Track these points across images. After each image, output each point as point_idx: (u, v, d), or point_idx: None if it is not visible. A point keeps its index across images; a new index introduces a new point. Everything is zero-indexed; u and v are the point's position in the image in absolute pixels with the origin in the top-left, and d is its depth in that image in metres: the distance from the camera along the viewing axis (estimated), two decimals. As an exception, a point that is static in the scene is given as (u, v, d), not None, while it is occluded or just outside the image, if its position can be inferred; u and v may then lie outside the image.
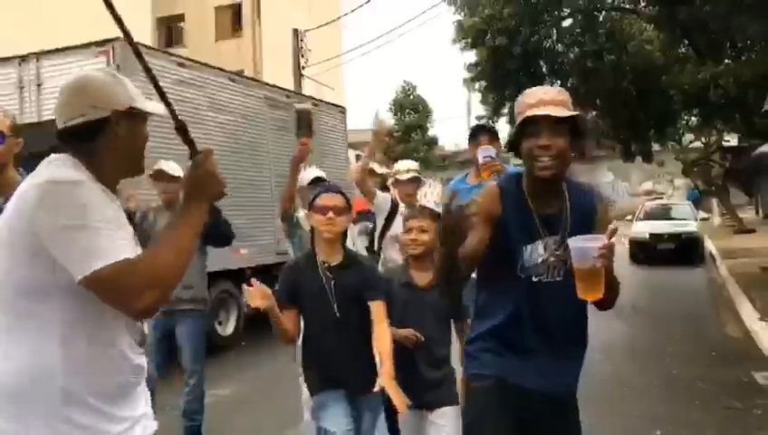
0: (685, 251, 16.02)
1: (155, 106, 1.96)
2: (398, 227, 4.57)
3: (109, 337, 1.73)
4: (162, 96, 1.91)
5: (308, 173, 4.58)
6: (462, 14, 13.63)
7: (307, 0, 28.45)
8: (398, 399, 2.76)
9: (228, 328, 8.95)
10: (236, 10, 28.80)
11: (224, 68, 9.51)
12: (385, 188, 5.51)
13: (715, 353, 7.44)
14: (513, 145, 2.33)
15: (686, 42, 11.80)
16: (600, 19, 13.82)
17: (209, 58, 26.41)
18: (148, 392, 1.93)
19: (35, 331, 1.63)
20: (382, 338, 2.91)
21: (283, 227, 4.55)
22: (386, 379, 2.79)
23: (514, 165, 3.51)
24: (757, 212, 29.57)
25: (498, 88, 14.17)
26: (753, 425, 5.02)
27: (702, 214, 19.90)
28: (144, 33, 23.57)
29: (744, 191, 32.86)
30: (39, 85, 7.44)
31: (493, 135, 4.19)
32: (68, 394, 1.64)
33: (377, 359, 2.98)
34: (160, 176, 4.86)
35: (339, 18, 21.77)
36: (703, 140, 26.54)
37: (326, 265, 3.00)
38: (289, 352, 4.12)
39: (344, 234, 3.18)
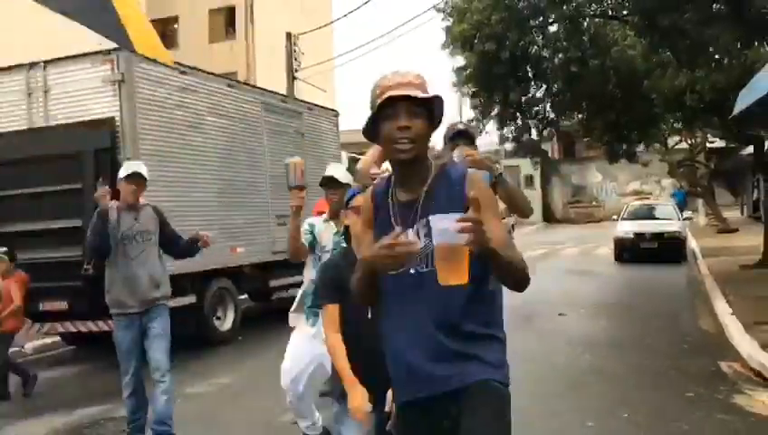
0: (667, 250, 16.48)
1: None
2: None
3: None
4: None
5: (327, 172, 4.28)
6: (451, 20, 14.06)
7: (299, 3, 28.82)
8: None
9: (226, 324, 9.34)
10: (230, 12, 29.14)
11: (217, 70, 9.89)
12: None
13: (687, 345, 7.88)
14: (370, 134, 2.22)
15: (668, 48, 12.24)
16: (585, 25, 14.28)
17: (203, 60, 26.85)
18: None
19: None
20: None
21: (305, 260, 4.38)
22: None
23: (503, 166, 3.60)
24: (742, 212, 30.18)
25: (486, 91, 14.60)
26: (714, 408, 5.44)
27: (687, 213, 20.38)
28: (139, 35, 23.89)
29: (731, 191, 33.52)
30: (46, 92, 7.81)
31: (471, 140, 3.97)
32: None
33: None
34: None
35: (331, 23, 22.14)
36: (688, 141, 27.07)
37: None
38: (282, 347, 4.47)
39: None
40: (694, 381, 6.21)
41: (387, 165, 5.10)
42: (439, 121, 2.22)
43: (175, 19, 29.68)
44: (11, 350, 7.51)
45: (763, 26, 7.44)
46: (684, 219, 18.23)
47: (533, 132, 17.20)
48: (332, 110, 12.87)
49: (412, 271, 2.10)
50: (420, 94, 2.11)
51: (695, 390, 5.95)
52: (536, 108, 15.97)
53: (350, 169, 5.39)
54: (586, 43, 14.10)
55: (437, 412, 2.14)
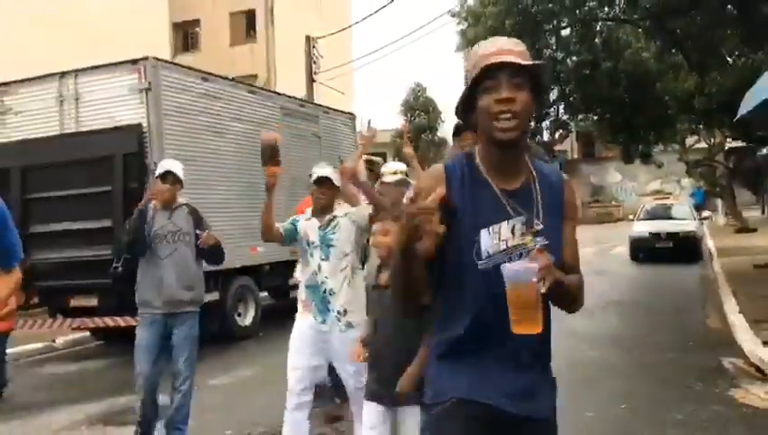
0: (683, 249, 16.60)
1: None
2: None
3: None
4: None
5: (315, 171, 4.31)
6: (465, 24, 14.35)
7: (318, 6, 29.24)
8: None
9: (247, 319, 9.72)
10: (250, 16, 29.61)
11: (238, 73, 10.27)
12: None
13: (693, 342, 8.11)
14: (464, 112, 1.94)
15: (679, 50, 12.43)
16: (597, 29, 14.49)
17: (224, 62, 27.47)
18: None
19: None
20: None
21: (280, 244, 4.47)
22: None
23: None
24: (763, 211, 30.05)
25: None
26: (710, 400, 5.70)
27: (706, 213, 20.43)
28: (161, 38, 24.42)
29: (751, 191, 33.33)
30: (77, 99, 8.23)
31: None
32: None
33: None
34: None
35: (350, 27, 22.49)
36: (707, 141, 27.06)
37: None
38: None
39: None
40: (694, 376, 6.46)
41: (386, 167, 4.76)
42: (546, 95, 2.02)
43: (196, 22, 30.24)
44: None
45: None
46: (700, 219, 18.30)
47: (546, 134, 17.44)
48: (349, 113, 13.20)
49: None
50: (523, 62, 1.82)
51: (694, 383, 6.21)
52: (549, 110, 16.20)
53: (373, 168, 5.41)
54: (598, 46, 14.32)
55: (496, 430, 1.90)
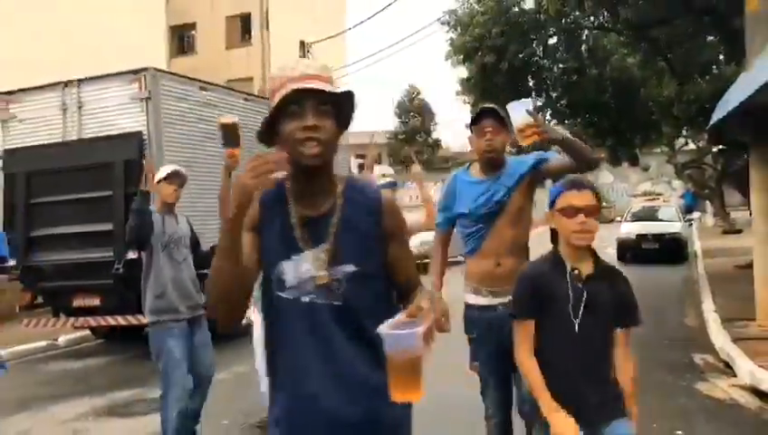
0: (668, 250, 17.01)
1: None
2: None
3: None
4: None
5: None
6: (454, 32, 14.74)
7: (313, 10, 29.59)
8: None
9: (243, 319, 10.05)
10: (246, 19, 29.95)
11: (234, 75, 10.63)
12: None
13: (668, 340, 8.50)
14: (265, 136, 1.88)
15: (663, 58, 12.83)
16: (583, 37, 14.91)
17: (220, 65, 27.82)
18: None
19: None
20: (627, 364, 2.58)
21: None
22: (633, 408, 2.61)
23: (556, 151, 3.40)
24: (751, 213, 30.43)
25: (487, 101, 15.20)
26: (676, 393, 6.10)
27: (696, 214, 20.84)
28: (158, 41, 24.77)
29: (741, 192, 33.76)
30: (80, 108, 8.59)
31: (500, 120, 3.40)
32: None
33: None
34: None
35: (344, 32, 22.85)
36: (696, 143, 27.48)
37: (575, 272, 2.51)
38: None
39: None
40: (664, 371, 6.84)
41: (374, 171, 5.11)
42: (348, 124, 1.91)
43: (193, 25, 30.57)
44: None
45: (741, 42, 8.03)
46: (686, 220, 18.71)
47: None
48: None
49: (306, 299, 1.83)
50: (330, 89, 1.79)
51: (663, 378, 6.60)
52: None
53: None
54: (584, 54, 14.74)
55: None
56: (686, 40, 10.81)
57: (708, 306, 10.00)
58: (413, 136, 40.85)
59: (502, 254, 3.36)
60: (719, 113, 7.98)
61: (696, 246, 19.14)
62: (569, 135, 3.44)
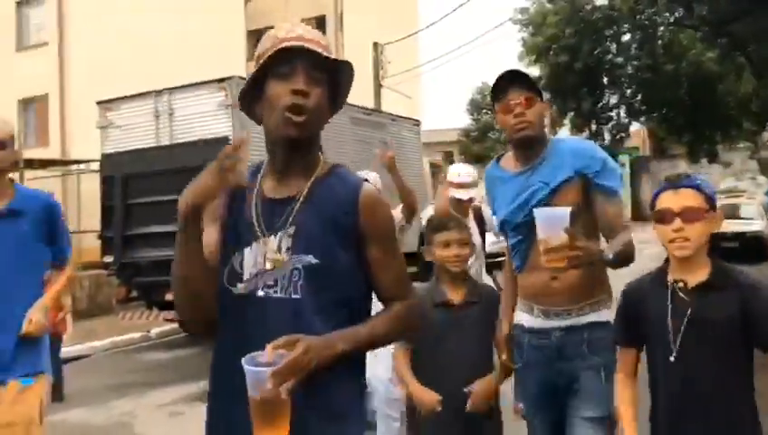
0: (748, 249, 16.51)
1: None
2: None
3: None
4: None
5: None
6: (526, 31, 14.81)
7: (385, 11, 30.01)
8: None
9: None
10: (320, 21, 30.63)
11: None
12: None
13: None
14: (247, 100, 1.69)
15: (741, 53, 12.55)
16: (658, 33, 14.71)
17: (296, 69, 28.45)
18: None
19: None
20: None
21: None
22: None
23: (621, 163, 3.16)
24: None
25: (560, 101, 15.28)
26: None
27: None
28: (238, 45, 25.75)
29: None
30: (171, 114, 9.23)
31: (531, 87, 2.57)
32: None
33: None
34: None
35: (416, 33, 23.16)
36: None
37: (680, 284, 2.07)
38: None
39: None
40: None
41: (452, 169, 4.99)
42: (342, 103, 1.72)
43: (270, 29, 31.40)
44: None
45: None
46: (769, 218, 18.12)
47: (607, 137, 17.70)
48: (414, 119, 13.90)
49: (261, 293, 1.65)
50: (328, 54, 1.62)
51: None
52: (609, 113, 16.49)
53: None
54: (659, 50, 14.54)
55: None
56: (765, 35, 10.56)
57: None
58: (485, 133, 40.74)
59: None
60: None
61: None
62: (615, 251, 2.43)
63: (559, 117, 16.13)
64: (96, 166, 11.48)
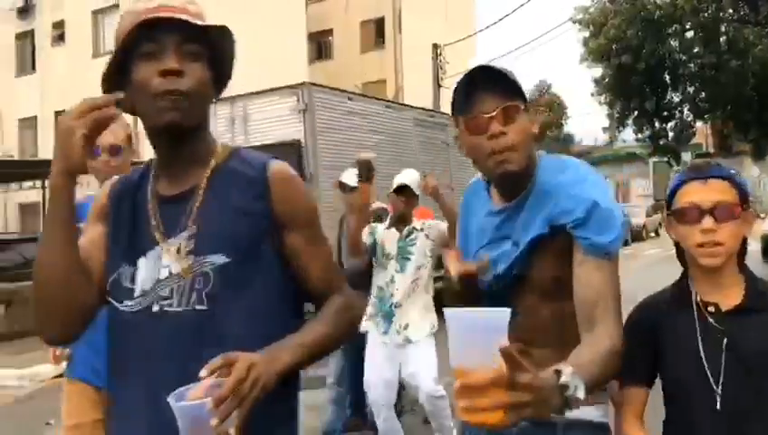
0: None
1: None
2: None
3: None
4: None
5: (397, 178, 4.33)
6: (587, 31, 14.86)
7: (444, 12, 30.26)
8: None
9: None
10: (379, 24, 31.09)
11: (367, 79, 11.53)
12: None
13: None
14: (108, 85, 1.39)
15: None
16: (722, 29, 14.56)
17: (355, 69, 29.13)
18: None
19: None
20: None
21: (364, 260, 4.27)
22: None
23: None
24: None
25: (623, 100, 15.28)
26: None
27: None
28: (300, 48, 26.40)
29: None
30: (245, 120, 9.76)
31: (512, 89, 1.65)
32: None
33: None
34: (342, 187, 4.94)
35: (475, 34, 23.35)
36: None
37: (709, 307, 1.62)
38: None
39: None
40: None
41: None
42: (227, 76, 1.48)
43: (330, 32, 32.13)
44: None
45: None
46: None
47: (670, 135, 17.56)
48: (475, 120, 14.11)
49: (156, 308, 1.36)
50: (200, 22, 1.35)
51: None
52: (672, 111, 16.37)
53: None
54: (723, 47, 14.42)
55: None
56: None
57: None
58: (543, 131, 40.52)
59: (529, 339, 1.49)
60: None
61: None
62: (586, 377, 1.35)
63: (623, 117, 16.07)
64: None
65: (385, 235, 4.22)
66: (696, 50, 14.87)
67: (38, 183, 16.44)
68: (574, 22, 14.91)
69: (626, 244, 17.73)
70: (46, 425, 5.66)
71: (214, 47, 1.42)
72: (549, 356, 1.37)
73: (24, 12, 22.84)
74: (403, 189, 4.18)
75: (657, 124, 16.71)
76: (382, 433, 4.18)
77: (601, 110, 21.67)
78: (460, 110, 1.66)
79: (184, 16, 1.32)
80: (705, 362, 1.55)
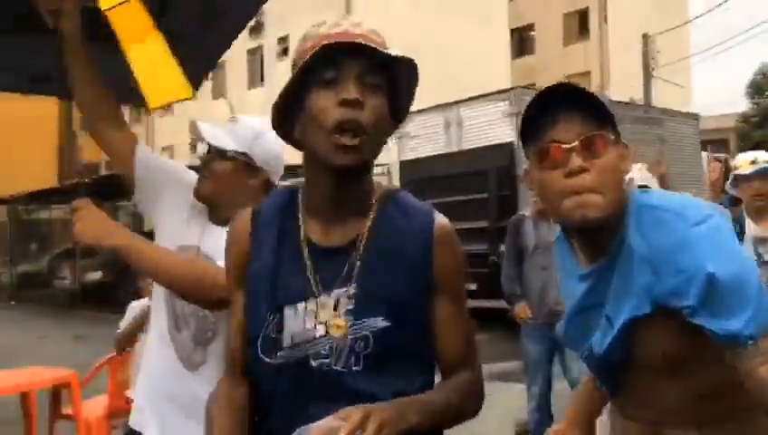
0: None
1: None
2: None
3: None
4: None
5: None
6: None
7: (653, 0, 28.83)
8: None
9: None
10: (583, 15, 30.36)
11: (571, 71, 11.74)
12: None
13: None
14: (280, 115, 1.31)
15: None
16: None
17: (557, 63, 28.81)
18: None
19: None
20: None
21: None
22: None
23: None
24: None
25: None
26: None
27: None
28: (502, 44, 26.64)
29: None
30: (459, 124, 10.32)
31: (598, 114, 1.31)
32: None
33: None
34: None
35: (689, 22, 22.07)
36: None
37: None
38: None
39: None
40: None
41: (740, 158, 3.82)
42: (404, 114, 1.35)
43: (531, 26, 31.96)
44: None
45: None
46: None
47: None
48: (692, 114, 13.54)
49: (314, 363, 1.27)
50: (388, 51, 1.24)
51: None
52: None
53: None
54: None
55: None
56: None
57: None
58: (766, 117, 36.86)
59: (660, 421, 1.40)
60: None
61: None
62: None
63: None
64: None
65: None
66: None
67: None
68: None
69: None
70: None
71: (393, 80, 1.29)
72: None
73: (255, 29, 25.17)
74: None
75: None
76: None
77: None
78: (530, 137, 1.38)
79: (372, 45, 1.21)
80: None
